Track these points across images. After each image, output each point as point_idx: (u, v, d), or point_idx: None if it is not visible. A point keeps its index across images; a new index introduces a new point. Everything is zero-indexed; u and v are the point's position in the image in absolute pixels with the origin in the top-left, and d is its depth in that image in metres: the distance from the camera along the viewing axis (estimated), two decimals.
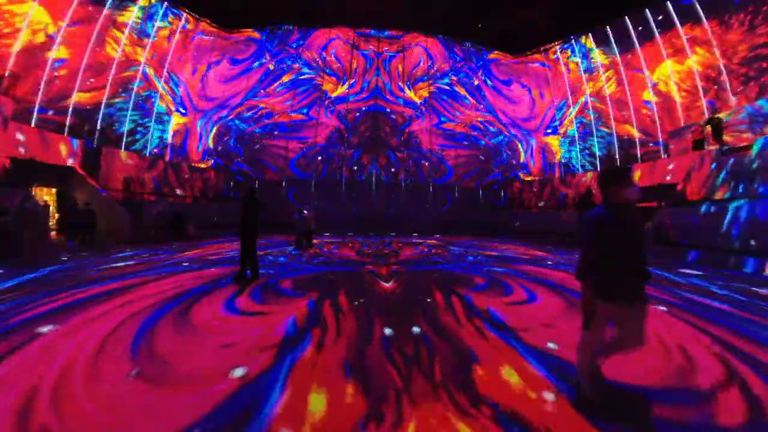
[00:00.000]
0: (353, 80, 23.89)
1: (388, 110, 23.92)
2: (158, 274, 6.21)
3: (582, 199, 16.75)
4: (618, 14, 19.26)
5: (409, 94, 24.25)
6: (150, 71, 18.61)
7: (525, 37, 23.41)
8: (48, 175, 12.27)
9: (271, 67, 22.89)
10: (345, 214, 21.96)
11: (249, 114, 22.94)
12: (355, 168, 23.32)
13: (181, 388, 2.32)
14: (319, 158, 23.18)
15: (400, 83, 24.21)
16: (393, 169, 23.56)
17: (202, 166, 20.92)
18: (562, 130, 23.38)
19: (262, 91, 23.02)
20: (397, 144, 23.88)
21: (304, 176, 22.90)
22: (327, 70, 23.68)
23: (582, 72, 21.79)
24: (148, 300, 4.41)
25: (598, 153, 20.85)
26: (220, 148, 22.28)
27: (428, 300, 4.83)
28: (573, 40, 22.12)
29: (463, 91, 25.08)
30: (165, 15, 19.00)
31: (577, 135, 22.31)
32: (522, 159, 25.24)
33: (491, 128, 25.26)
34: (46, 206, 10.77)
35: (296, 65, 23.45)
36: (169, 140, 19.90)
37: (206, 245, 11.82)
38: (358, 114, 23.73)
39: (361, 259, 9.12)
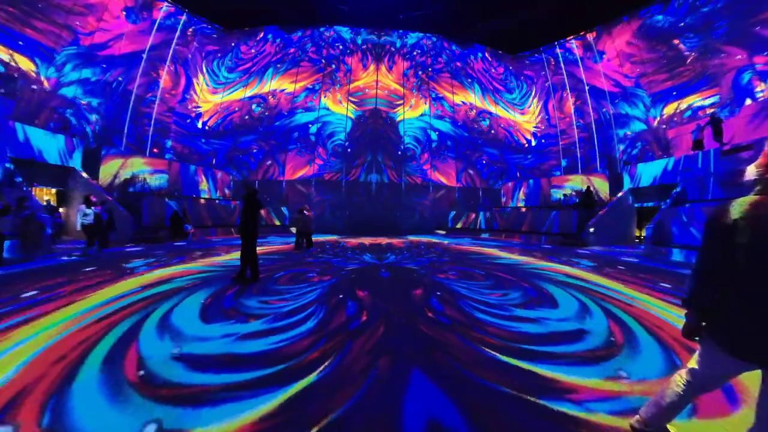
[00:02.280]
0: (353, 79, 23.91)
1: (387, 109, 23.89)
2: None
3: (582, 198, 16.74)
4: (618, 14, 19.37)
5: (409, 92, 24.25)
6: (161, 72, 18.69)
7: (525, 37, 23.49)
8: (48, 175, 12.30)
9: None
10: (344, 214, 21.97)
11: (252, 110, 22.98)
12: (355, 168, 23.24)
13: None
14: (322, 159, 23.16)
15: (399, 82, 24.23)
16: (393, 169, 23.47)
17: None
18: (560, 128, 23.42)
19: (264, 89, 23.09)
20: (396, 143, 23.83)
21: (302, 175, 22.86)
22: (333, 68, 23.73)
23: (582, 70, 21.83)
24: None
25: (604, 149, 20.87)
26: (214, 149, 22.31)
27: None
28: (573, 40, 22.19)
29: (461, 90, 25.12)
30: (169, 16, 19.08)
31: (577, 132, 22.34)
32: (521, 157, 25.26)
33: (490, 126, 25.28)
34: (51, 207, 10.83)
35: (301, 62, 23.51)
36: (170, 140, 19.95)
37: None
38: (358, 113, 23.70)
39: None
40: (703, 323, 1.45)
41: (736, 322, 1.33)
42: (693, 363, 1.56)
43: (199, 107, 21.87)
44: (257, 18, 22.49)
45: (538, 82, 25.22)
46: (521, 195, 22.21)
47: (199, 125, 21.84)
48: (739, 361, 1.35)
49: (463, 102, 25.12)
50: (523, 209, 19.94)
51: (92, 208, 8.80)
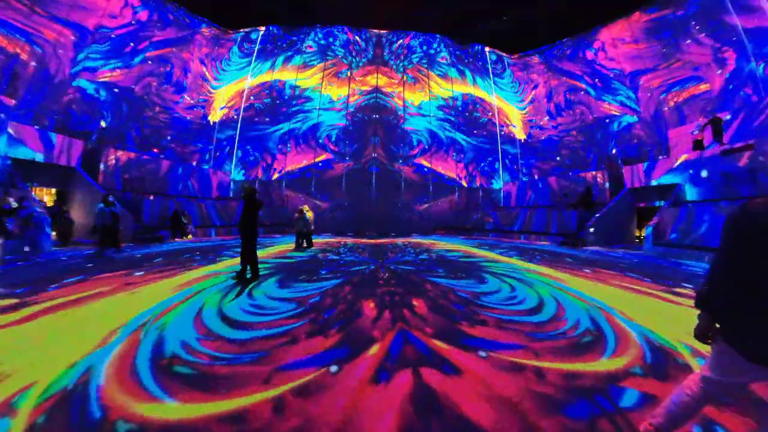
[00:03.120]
0: (354, 77, 23.92)
1: (386, 108, 23.87)
2: None
3: (582, 199, 16.75)
4: (618, 13, 19.37)
5: (409, 91, 24.24)
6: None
7: (525, 37, 23.50)
8: (49, 175, 12.30)
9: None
10: (342, 214, 21.96)
11: (253, 108, 23.00)
12: (355, 167, 23.19)
13: None
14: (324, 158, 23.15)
15: (400, 81, 24.22)
16: (393, 168, 23.40)
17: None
18: (560, 128, 23.40)
19: (264, 87, 23.12)
20: (397, 142, 23.80)
21: (301, 173, 22.85)
22: (333, 66, 23.75)
23: (582, 70, 21.81)
24: None
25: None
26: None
27: None
28: (573, 39, 22.17)
29: (462, 89, 25.12)
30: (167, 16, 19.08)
31: (577, 132, 22.33)
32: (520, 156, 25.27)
33: (491, 125, 25.28)
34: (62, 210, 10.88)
35: (302, 61, 23.52)
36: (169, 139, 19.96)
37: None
38: (358, 111, 23.68)
39: None
40: (718, 325, 1.36)
41: (760, 326, 1.23)
42: (707, 369, 1.46)
43: (199, 106, 21.83)
44: (257, 18, 22.53)
45: (539, 82, 25.18)
46: (527, 194, 22.21)
47: (199, 124, 21.79)
48: (761, 367, 1.25)
49: (464, 101, 25.11)
50: (526, 209, 19.92)
51: (110, 207, 8.49)
